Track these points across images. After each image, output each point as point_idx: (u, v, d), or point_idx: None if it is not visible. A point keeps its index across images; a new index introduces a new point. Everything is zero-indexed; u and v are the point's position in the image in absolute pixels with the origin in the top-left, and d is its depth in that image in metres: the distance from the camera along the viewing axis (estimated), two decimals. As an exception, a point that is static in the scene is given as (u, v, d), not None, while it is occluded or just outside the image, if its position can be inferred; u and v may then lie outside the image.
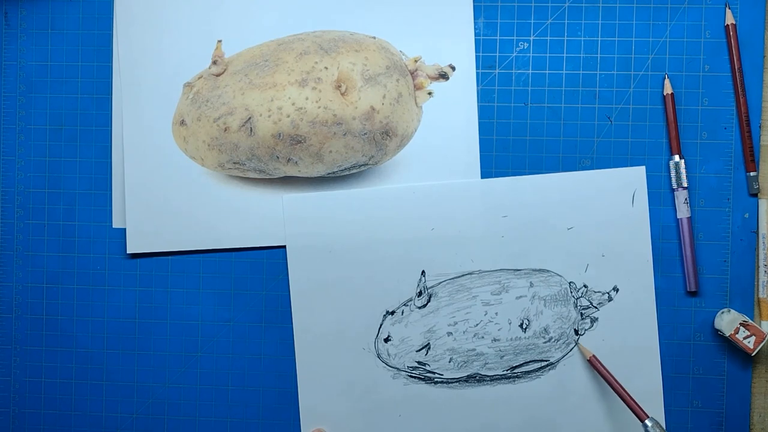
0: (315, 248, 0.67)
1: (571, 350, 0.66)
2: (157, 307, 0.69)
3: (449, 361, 0.67)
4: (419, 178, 0.67)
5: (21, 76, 0.70)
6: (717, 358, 0.67)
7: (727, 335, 0.64)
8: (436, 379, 0.67)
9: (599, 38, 0.67)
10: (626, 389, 0.62)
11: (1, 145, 0.70)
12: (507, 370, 0.67)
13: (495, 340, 0.67)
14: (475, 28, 0.67)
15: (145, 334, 0.69)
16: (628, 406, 0.61)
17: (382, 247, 0.67)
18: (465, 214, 0.67)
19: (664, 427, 0.65)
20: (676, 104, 0.66)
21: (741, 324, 0.63)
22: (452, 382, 0.67)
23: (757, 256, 0.66)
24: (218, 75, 0.66)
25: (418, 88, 0.67)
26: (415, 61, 0.67)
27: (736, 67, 0.66)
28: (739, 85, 0.66)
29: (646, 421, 0.61)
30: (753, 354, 0.64)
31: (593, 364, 0.64)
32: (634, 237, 0.66)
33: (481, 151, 0.67)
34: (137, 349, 0.70)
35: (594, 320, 0.66)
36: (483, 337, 0.67)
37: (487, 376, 0.67)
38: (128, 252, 0.69)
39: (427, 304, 0.67)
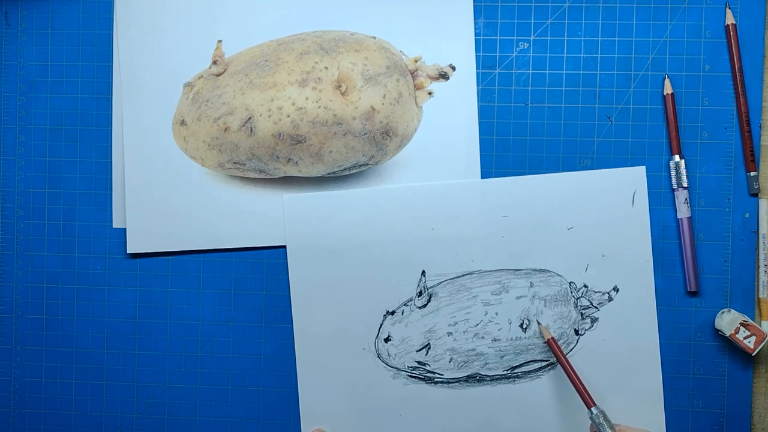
0: (315, 248, 0.67)
1: (571, 350, 0.66)
2: (157, 307, 0.69)
3: (449, 361, 0.67)
4: (419, 178, 0.67)
5: (21, 76, 0.70)
6: (717, 358, 0.66)
7: (728, 335, 0.64)
8: (436, 379, 0.67)
9: (599, 38, 0.67)
10: (579, 376, 0.63)
11: (1, 145, 0.70)
12: (507, 370, 0.67)
13: (495, 340, 0.67)
14: (475, 28, 0.67)
15: (145, 334, 0.69)
16: (578, 392, 0.62)
17: (382, 247, 0.67)
18: (465, 214, 0.67)
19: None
20: (677, 104, 0.66)
21: (741, 324, 0.63)
22: (452, 382, 0.67)
23: (758, 256, 0.66)
24: (218, 75, 0.66)
25: (418, 88, 0.67)
26: (415, 61, 0.67)
27: (736, 67, 0.66)
28: (739, 85, 0.66)
29: (592, 408, 0.61)
30: (753, 354, 0.64)
31: (550, 346, 0.64)
32: (635, 237, 0.66)
33: (481, 151, 0.67)
34: (137, 349, 0.70)
35: (594, 320, 0.66)
36: (483, 337, 0.67)
37: (488, 376, 0.67)
38: (128, 252, 0.69)
39: (427, 304, 0.67)
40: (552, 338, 0.64)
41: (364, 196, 0.67)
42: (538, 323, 0.66)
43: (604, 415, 0.60)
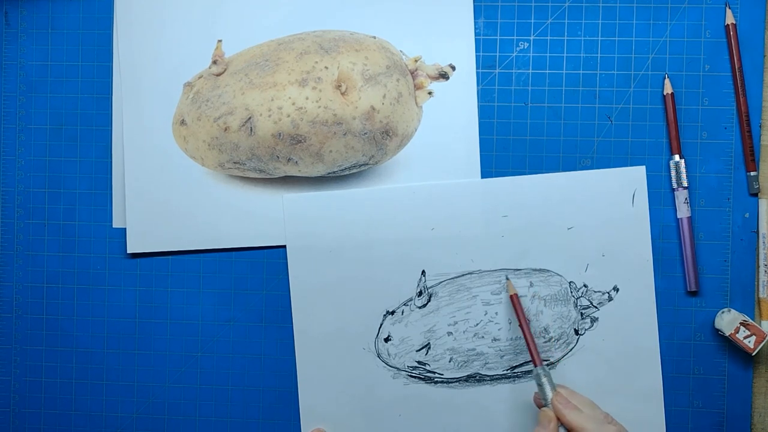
0: (315, 248, 0.67)
1: (571, 350, 0.66)
2: (157, 307, 0.69)
3: (449, 361, 0.67)
4: (419, 178, 0.67)
5: (21, 76, 0.70)
6: (717, 358, 0.66)
7: (728, 335, 0.64)
8: (436, 379, 0.67)
9: (599, 38, 0.67)
10: (533, 336, 0.63)
11: (1, 145, 0.70)
12: (507, 370, 0.67)
13: (495, 339, 0.67)
14: (475, 28, 0.67)
15: (145, 334, 0.69)
16: (529, 350, 0.62)
17: (382, 247, 0.67)
18: (465, 214, 0.67)
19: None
20: (676, 104, 0.66)
21: (741, 324, 0.63)
22: (452, 382, 0.67)
23: (758, 255, 0.66)
24: (218, 75, 0.66)
25: (418, 87, 0.67)
26: (416, 61, 0.67)
27: (736, 67, 0.66)
28: (739, 85, 0.66)
29: (537, 368, 0.61)
30: (753, 354, 0.64)
31: (512, 302, 0.64)
32: (634, 237, 0.66)
33: (481, 151, 0.67)
34: (137, 349, 0.70)
35: (594, 320, 0.66)
36: (483, 337, 0.67)
37: (487, 375, 0.67)
38: (128, 252, 0.69)
39: (427, 303, 0.67)
40: (515, 294, 0.64)
41: (364, 196, 0.67)
42: (507, 278, 0.66)
43: (547, 374, 0.60)
